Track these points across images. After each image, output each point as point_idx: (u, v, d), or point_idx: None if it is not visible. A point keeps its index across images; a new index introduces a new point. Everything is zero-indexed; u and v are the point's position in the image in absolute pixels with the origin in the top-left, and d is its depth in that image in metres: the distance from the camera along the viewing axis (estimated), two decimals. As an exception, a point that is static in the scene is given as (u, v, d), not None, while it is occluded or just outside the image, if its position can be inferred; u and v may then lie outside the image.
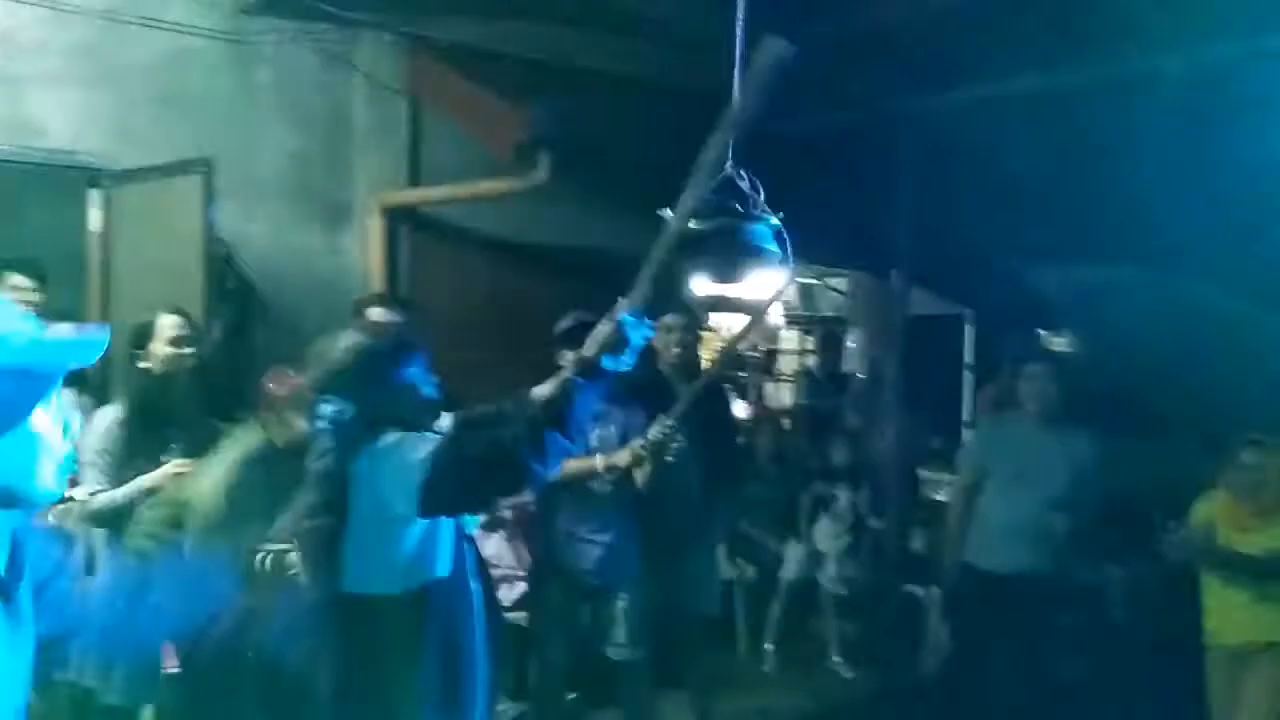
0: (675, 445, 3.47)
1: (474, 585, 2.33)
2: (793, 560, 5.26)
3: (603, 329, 2.18)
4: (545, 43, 4.95)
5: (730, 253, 2.21)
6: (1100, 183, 5.22)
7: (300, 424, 2.96)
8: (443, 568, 2.23)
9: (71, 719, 3.33)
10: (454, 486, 2.08)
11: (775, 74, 2.13)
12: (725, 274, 2.26)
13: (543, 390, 2.15)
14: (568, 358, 3.57)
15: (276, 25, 4.64)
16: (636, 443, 3.45)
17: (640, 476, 3.54)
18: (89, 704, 3.13)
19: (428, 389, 2.29)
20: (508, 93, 4.54)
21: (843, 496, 5.29)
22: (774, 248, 2.21)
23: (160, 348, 3.13)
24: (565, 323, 3.67)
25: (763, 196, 2.27)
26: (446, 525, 2.24)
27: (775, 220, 2.23)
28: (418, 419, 2.24)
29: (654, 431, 3.43)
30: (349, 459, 2.17)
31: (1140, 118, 4.64)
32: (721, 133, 2.14)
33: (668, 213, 2.20)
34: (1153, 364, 5.48)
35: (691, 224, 2.22)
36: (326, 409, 2.20)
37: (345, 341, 2.29)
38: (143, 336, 3.15)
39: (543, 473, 2.10)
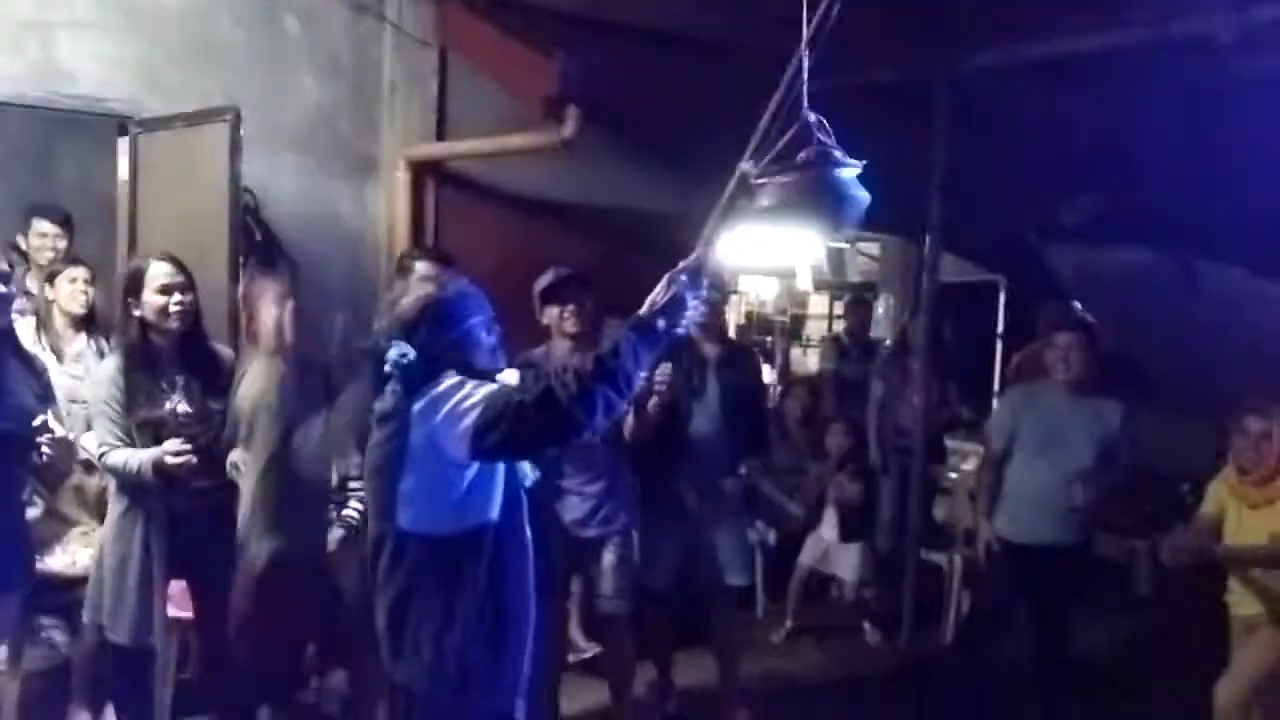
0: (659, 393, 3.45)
1: (528, 534, 2.38)
2: (808, 547, 5.26)
3: (658, 291, 2.18)
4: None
5: (823, 199, 2.14)
6: (1134, 156, 5.11)
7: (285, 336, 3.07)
8: (494, 513, 2.28)
9: (95, 657, 3.41)
10: (503, 432, 2.13)
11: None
12: (818, 220, 2.20)
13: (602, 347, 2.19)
14: (551, 314, 3.61)
15: (306, -26, 4.60)
16: None
17: (627, 430, 3.55)
18: (107, 643, 3.19)
19: (491, 339, 2.37)
20: (537, 46, 4.47)
21: (836, 486, 5.25)
22: (862, 193, 2.16)
23: (151, 296, 3.11)
24: (545, 279, 3.67)
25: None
26: (499, 472, 2.30)
27: (858, 166, 2.17)
28: (480, 368, 2.32)
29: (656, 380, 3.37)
30: (410, 399, 2.24)
31: (1176, 91, 4.53)
32: (778, 103, 2.10)
33: (747, 165, 2.16)
34: (1180, 346, 5.40)
35: (781, 175, 2.16)
36: (393, 352, 2.27)
37: (415, 291, 2.38)
38: (134, 285, 3.14)
39: (589, 425, 2.14)
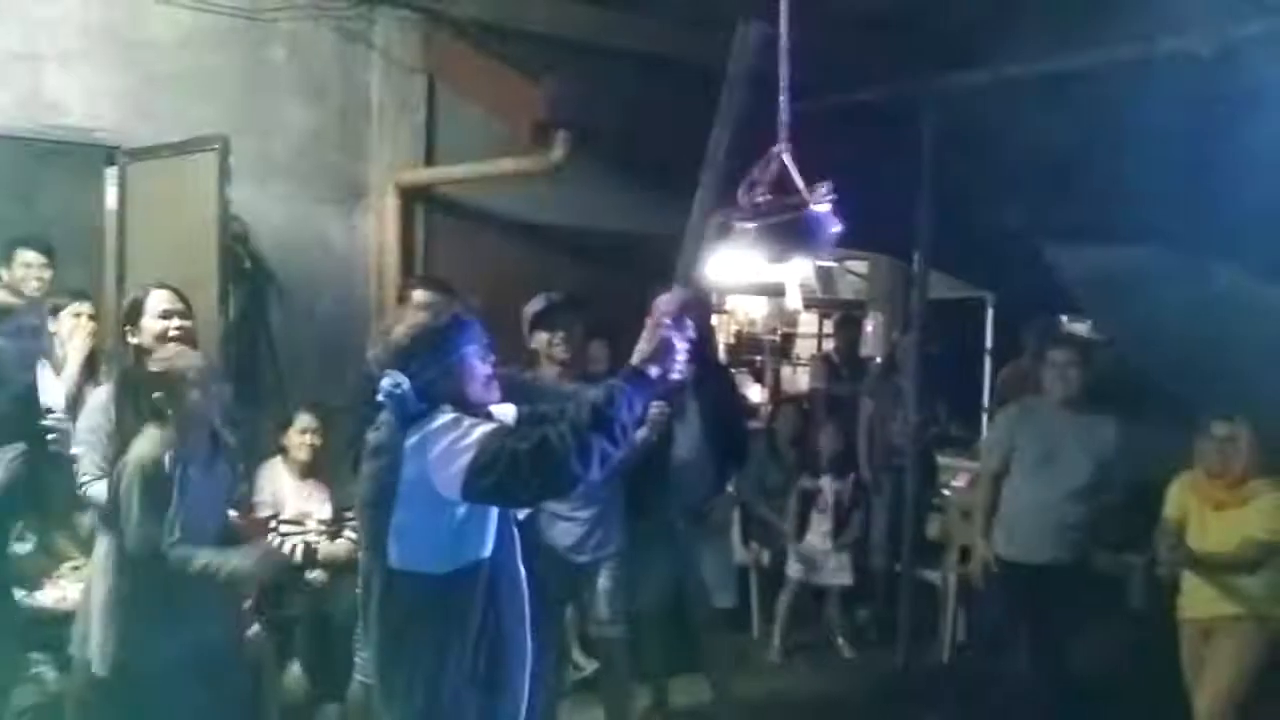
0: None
1: (522, 570, 2.34)
2: (793, 559, 5.24)
3: (644, 339, 2.17)
4: (564, 20, 4.90)
5: (791, 236, 2.15)
6: (1126, 164, 5.14)
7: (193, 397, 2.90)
8: (487, 550, 2.24)
9: (83, 691, 3.37)
10: (496, 479, 2.09)
11: (758, 58, 2.10)
12: (784, 257, 2.21)
13: (593, 393, 2.15)
14: (540, 339, 3.61)
15: (293, 2, 4.60)
16: None
17: None
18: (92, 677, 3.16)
19: (486, 368, 2.33)
20: (526, 71, 4.49)
21: (827, 489, 5.25)
22: (831, 229, 2.16)
23: (151, 322, 3.13)
24: (535, 305, 3.67)
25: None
26: (493, 509, 2.25)
27: (829, 201, 2.17)
28: (475, 398, 2.28)
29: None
30: (403, 432, 2.20)
31: (1168, 98, 4.56)
32: (720, 127, 2.11)
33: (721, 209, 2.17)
34: (1177, 351, 5.41)
35: (754, 216, 2.16)
36: (386, 382, 2.23)
37: (409, 320, 2.35)
38: (134, 312, 3.16)
39: (584, 478, 2.10)
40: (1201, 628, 3.71)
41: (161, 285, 3.22)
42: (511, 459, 2.07)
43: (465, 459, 2.10)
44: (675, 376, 2.19)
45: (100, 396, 3.19)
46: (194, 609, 2.90)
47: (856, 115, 5.05)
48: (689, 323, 2.18)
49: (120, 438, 3.07)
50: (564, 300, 3.68)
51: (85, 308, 3.90)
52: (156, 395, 2.92)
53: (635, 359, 2.16)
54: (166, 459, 2.86)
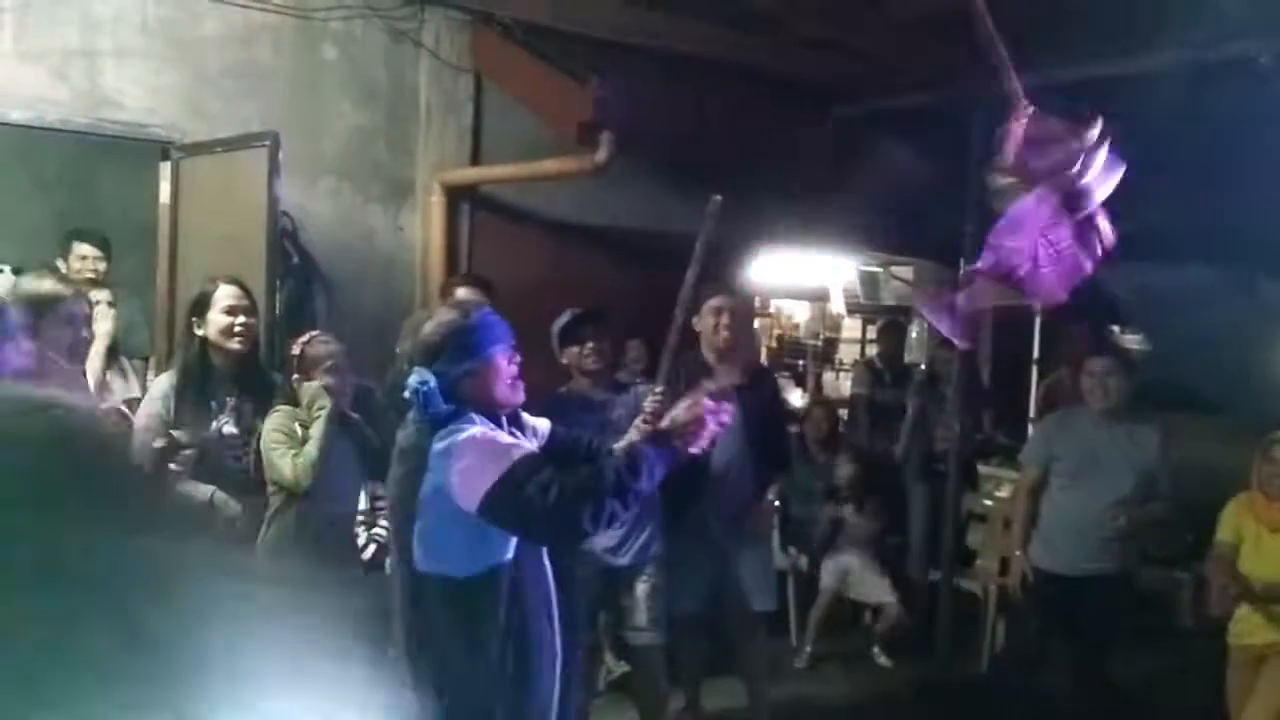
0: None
1: (548, 568, 2.36)
2: (827, 571, 5.20)
3: (682, 410, 2.24)
4: (609, 22, 4.91)
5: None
6: (1182, 176, 5.04)
7: (326, 381, 3.15)
8: (510, 553, 2.25)
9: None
10: (510, 516, 2.13)
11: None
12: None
13: (619, 457, 2.20)
14: (570, 353, 3.62)
15: (344, 2, 4.67)
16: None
17: None
18: None
19: (512, 369, 2.34)
20: (572, 72, 4.51)
21: (850, 517, 5.19)
22: (1113, 170, 2.17)
23: (217, 316, 3.19)
24: (561, 320, 3.67)
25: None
26: None
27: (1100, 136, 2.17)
28: (500, 398, 2.30)
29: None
30: (430, 435, 2.21)
31: (1226, 108, 4.47)
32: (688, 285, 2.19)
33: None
34: (1230, 368, 5.31)
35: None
36: (413, 379, 2.24)
37: (438, 317, 2.36)
38: (201, 305, 3.22)
39: (592, 534, 2.15)
40: (1255, 654, 3.58)
41: (231, 280, 3.26)
42: (528, 505, 2.09)
43: (486, 485, 2.11)
44: (696, 451, 2.23)
45: (161, 386, 3.24)
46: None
47: (903, 119, 5.01)
48: (728, 408, 2.22)
49: (176, 425, 3.13)
50: (588, 313, 3.69)
51: (106, 295, 3.95)
52: (295, 377, 3.17)
53: (667, 423, 2.20)
54: (296, 427, 3.10)
